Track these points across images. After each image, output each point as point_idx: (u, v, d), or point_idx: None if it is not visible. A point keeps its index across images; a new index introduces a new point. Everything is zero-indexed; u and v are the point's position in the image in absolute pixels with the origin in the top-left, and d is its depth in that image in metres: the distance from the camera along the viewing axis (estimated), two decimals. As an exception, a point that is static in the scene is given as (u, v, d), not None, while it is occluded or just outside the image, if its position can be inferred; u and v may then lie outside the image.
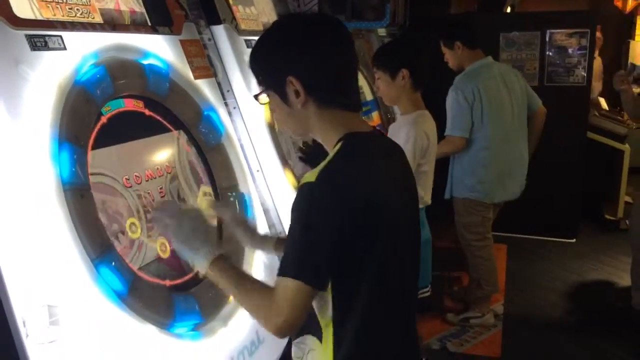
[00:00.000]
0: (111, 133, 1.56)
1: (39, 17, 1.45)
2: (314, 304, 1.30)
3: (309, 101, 1.30)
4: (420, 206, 2.37)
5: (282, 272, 1.22)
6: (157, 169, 1.68)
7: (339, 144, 1.30)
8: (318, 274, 1.22)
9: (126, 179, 1.56)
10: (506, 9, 5.20)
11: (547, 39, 4.71)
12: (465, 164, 3.37)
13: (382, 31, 4.46)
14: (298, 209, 1.23)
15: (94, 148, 1.48)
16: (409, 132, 2.26)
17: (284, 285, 1.21)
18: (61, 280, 1.25)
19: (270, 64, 1.33)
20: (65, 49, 1.43)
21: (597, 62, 5.95)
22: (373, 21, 2.90)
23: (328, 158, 1.27)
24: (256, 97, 1.40)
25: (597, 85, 6.09)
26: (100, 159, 1.50)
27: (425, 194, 2.39)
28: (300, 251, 1.22)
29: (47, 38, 1.38)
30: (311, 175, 1.23)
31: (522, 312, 3.72)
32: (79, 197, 1.34)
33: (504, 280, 4.07)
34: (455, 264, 3.90)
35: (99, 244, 1.34)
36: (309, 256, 1.21)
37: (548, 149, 4.67)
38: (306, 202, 1.21)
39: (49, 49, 1.38)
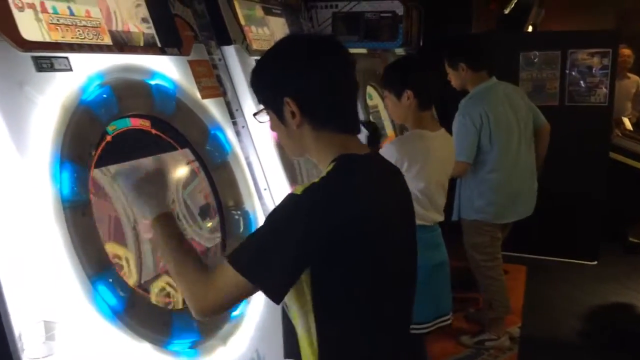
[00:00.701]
0: (116, 151, 1.60)
1: (47, 39, 1.49)
2: (301, 330, 1.31)
3: (304, 122, 1.31)
4: (428, 224, 2.36)
5: (230, 259, 1.22)
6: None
7: (332, 165, 1.31)
8: (263, 276, 1.20)
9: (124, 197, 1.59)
10: (527, 28, 5.17)
11: (568, 59, 4.67)
12: (473, 186, 3.35)
13: (400, 51, 4.49)
14: (275, 211, 1.25)
15: (98, 166, 1.52)
16: (394, 155, 2.25)
17: (225, 271, 1.21)
18: (58, 296, 1.28)
19: (268, 84, 1.35)
20: (71, 70, 1.47)
21: (630, 81, 5.87)
22: (386, 42, 2.92)
23: (320, 176, 1.28)
24: (255, 115, 1.42)
25: (627, 105, 5.99)
26: (103, 176, 1.53)
27: (435, 214, 2.38)
28: (256, 249, 1.22)
29: (53, 60, 1.43)
30: (300, 188, 1.24)
31: (539, 335, 3.66)
32: (80, 214, 1.37)
33: (522, 303, 4.02)
34: (471, 284, 3.86)
35: (96, 260, 1.37)
36: (263, 257, 1.21)
37: (569, 169, 4.63)
38: (284, 209, 1.23)
39: (54, 70, 1.42)
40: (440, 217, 2.43)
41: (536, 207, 3.58)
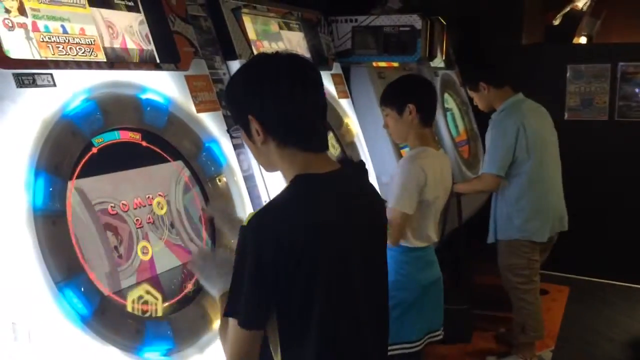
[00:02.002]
0: (103, 163, 1.67)
1: (36, 57, 1.58)
2: (271, 346, 1.34)
3: (268, 140, 1.34)
4: (424, 245, 2.33)
5: (225, 311, 1.30)
6: (148, 197, 1.77)
7: (286, 187, 1.33)
8: (251, 315, 1.27)
9: (111, 206, 1.65)
10: (578, 40, 4.99)
11: (618, 72, 4.48)
12: (511, 202, 3.23)
13: (439, 62, 4.43)
14: (236, 251, 1.28)
15: (81, 177, 1.59)
16: (403, 167, 2.26)
17: (230, 323, 1.29)
18: (25, 300, 1.35)
19: (234, 102, 1.39)
20: (54, 85, 1.55)
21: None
22: (404, 55, 2.90)
23: (269, 200, 1.30)
24: (228, 130, 1.46)
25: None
26: (86, 186, 1.60)
27: (432, 234, 2.34)
28: (236, 293, 1.28)
29: (36, 76, 1.51)
30: (248, 218, 1.27)
31: (573, 360, 3.51)
32: (50, 223, 1.43)
33: (559, 325, 3.86)
34: (503, 303, 3.74)
35: (66, 267, 1.43)
36: (243, 298, 1.26)
37: (619, 186, 4.42)
38: (239, 246, 1.26)
39: (37, 86, 1.51)
40: (436, 238, 2.39)
41: (585, 226, 3.45)
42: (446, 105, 4.27)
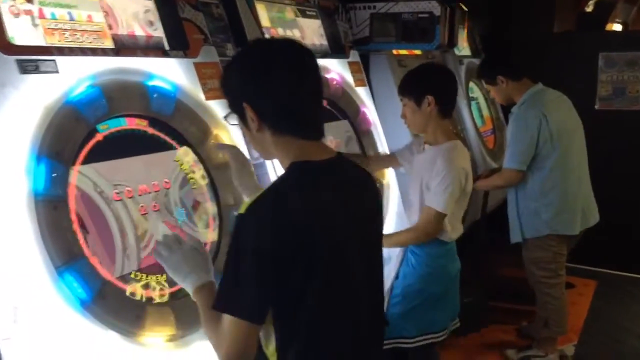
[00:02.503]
0: (109, 150, 1.68)
1: (42, 43, 1.60)
2: (260, 335, 1.32)
3: (264, 127, 1.33)
4: (457, 237, 2.29)
5: (217, 305, 1.27)
6: (154, 184, 1.78)
7: (282, 174, 1.32)
8: (251, 308, 1.24)
9: (116, 192, 1.66)
10: (611, 27, 4.83)
11: (652, 60, 4.33)
12: (538, 197, 3.12)
13: (464, 50, 4.36)
14: (231, 241, 1.27)
15: (85, 163, 1.61)
16: (444, 169, 2.17)
17: (224, 318, 1.26)
18: (24, 284, 1.37)
19: (229, 89, 1.38)
20: (57, 72, 1.56)
21: None
22: (422, 43, 2.84)
23: (265, 188, 1.29)
24: (225, 117, 1.45)
25: None
26: (90, 172, 1.61)
27: (458, 227, 2.30)
28: (232, 285, 1.25)
29: (39, 62, 1.52)
30: (245, 205, 1.26)
31: (596, 356, 3.42)
32: (51, 208, 1.45)
33: (583, 319, 3.77)
34: (525, 296, 3.67)
35: (66, 252, 1.45)
36: (240, 290, 1.24)
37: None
38: (235, 235, 1.25)
39: (40, 72, 1.52)
40: (462, 231, 2.34)
41: (614, 218, 3.35)
42: (471, 95, 4.20)
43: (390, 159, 2.60)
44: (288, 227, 1.22)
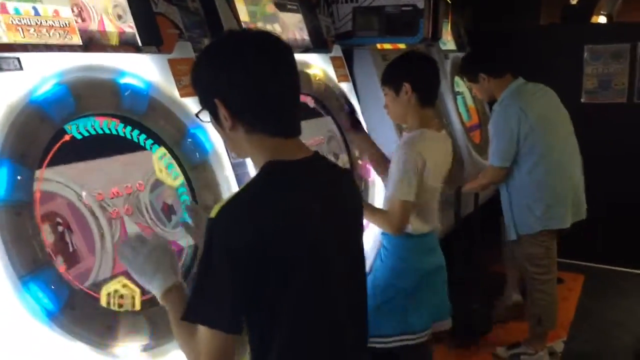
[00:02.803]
0: (78, 151, 1.60)
1: (4, 41, 1.51)
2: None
3: (237, 125, 1.26)
4: (425, 231, 2.23)
5: (189, 316, 1.19)
6: (126, 186, 1.70)
7: (255, 175, 1.25)
8: (227, 317, 1.17)
9: (87, 195, 1.58)
10: (597, 19, 4.80)
11: (638, 52, 4.29)
12: (528, 193, 3.08)
13: (450, 44, 4.30)
14: (202, 247, 1.19)
15: (52, 165, 1.52)
16: (402, 155, 2.14)
17: (199, 328, 1.18)
18: (-15, 295, 1.29)
19: (200, 84, 1.30)
20: (21, 69, 1.48)
21: None
22: (405, 37, 2.78)
23: (237, 190, 1.22)
24: (197, 114, 1.37)
25: None
26: (58, 175, 1.53)
27: (430, 220, 2.24)
28: (205, 294, 1.18)
29: (1, 60, 1.44)
30: (216, 208, 1.18)
31: (586, 351, 3.39)
32: (14, 214, 1.37)
33: (572, 315, 3.74)
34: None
35: (31, 260, 1.37)
36: (214, 299, 1.16)
37: (637, 172, 4.26)
38: (207, 241, 1.17)
39: (1, 70, 1.44)
40: (437, 224, 2.29)
41: (600, 212, 3.31)
42: (457, 89, 4.14)
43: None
44: (262, 231, 1.15)
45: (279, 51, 1.27)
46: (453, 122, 3.92)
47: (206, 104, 1.29)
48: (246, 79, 1.22)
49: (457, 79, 4.18)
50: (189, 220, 1.62)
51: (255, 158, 1.30)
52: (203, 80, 1.28)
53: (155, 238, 1.42)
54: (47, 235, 1.46)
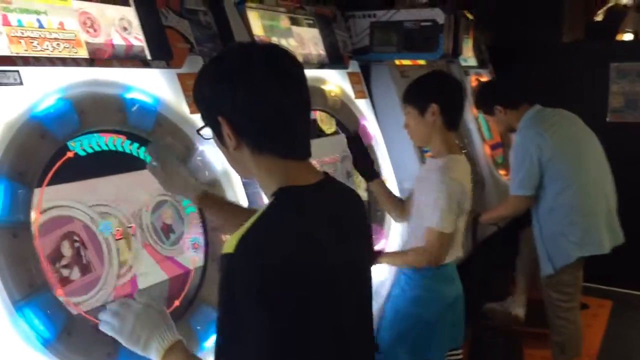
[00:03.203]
0: (81, 168, 1.54)
1: (6, 53, 1.46)
2: None
3: (241, 144, 1.16)
4: (450, 261, 2.13)
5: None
6: (132, 206, 1.63)
7: (269, 203, 1.16)
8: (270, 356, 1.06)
9: (90, 215, 1.51)
10: (621, 37, 4.68)
11: (666, 70, 4.16)
12: (557, 216, 2.92)
13: (472, 61, 4.21)
14: (221, 287, 1.07)
15: (54, 183, 1.46)
16: (440, 184, 2.00)
17: None
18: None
19: (202, 99, 1.21)
20: (21, 84, 1.42)
21: None
22: (425, 52, 2.69)
23: (252, 219, 1.11)
24: (199, 131, 1.28)
25: None
26: (60, 194, 1.47)
27: (455, 249, 2.13)
28: (236, 339, 1.06)
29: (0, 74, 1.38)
30: (230, 244, 1.08)
31: (614, 381, 3.23)
32: (10, 235, 1.30)
33: (599, 343, 3.58)
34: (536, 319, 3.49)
35: (26, 284, 1.30)
36: (247, 343, 1.05)
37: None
38: (228, 280, 1.06)
39: (0, 84, 1.38)
40: (461, 254, 2.18)
41: (628, 234, 3.14)
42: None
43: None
44: (281, 265, 1.06)
45: (287, 65, 1.18)
46: (474, 141, 3.82)
47: (209, 121, 1.20)
48: (252, 96, 1.12)
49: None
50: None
51: (264, 182, 1.20)
52: (206, 95, 1.19)
53: (140, 297, 1.26)
54: (46, 258, 1.39)
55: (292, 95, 1.16)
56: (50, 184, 1.45)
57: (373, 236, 1.39)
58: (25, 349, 1.27)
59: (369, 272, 1.31)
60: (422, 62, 3.25)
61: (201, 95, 1.20)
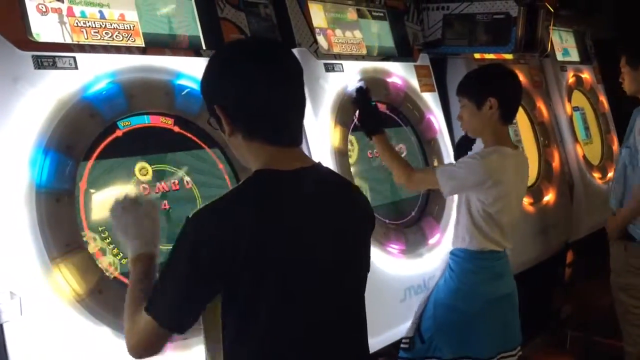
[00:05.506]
0: (130, 146, 1.70)
1: (68, 41, 1.65)
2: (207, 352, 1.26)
3: (236, 131, 1.26)
4: (491, 248, 2.08)
5: (146, 303, 1.21)
6: (174, 182, 1.77)
7: (242, 180, 1.25)
8: (174, 317, 1.19)
9: (131, 188, 1.68)
10: None
11: None
12: None
13: (574, 56, 4.01)
14: (175, 241, 1.19)
15: (102, 158, 1.64)
16: (467, 161, 2.03)
17: (144, 314, 1.20)
18: (19, 274, 1.41)
19: (203, 90, 1.32)
20: (76, 68, 1.60)
21: None
22: (496, 46, 2.61)
23: (224, 194, 1.21)
24: (208, 120, 1.38)
25: None
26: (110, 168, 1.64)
27: (501, 238, 2.09)
28: (161, 288, 1.20)
29: (57, 58, 1.57)
30: (196, 210, 1.19)
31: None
32: (54, 200, 1.48)
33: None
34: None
35: (63, 244, 1.47)
36: (166, 297, 1.18)
37: None
38: (178, 237, 1.18)
39: (57, 68, 1.56)
40: (509, 245, 2.12)
41: None
42: (574, 105, 3.84)
43: None
44: (231, 242, 1.13)
45: (278, 58, 1.25)
46: (565, 140, 3.64)
47: (210, 110, 1.31)
48: (239, 86, 1.21)
49: (576, 92, 3.88)
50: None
51: (251, 165, 1.28)
52: (204, 86, 1.30)
53: (149, 205, 1.42)
54: (88, 222, 1.57)
55: (281, 87, 1.23)
56: (99, 158, 1.63)
57: (372, 236, 1.41)
58: (59, 303, 1.45)
59: (359, 270, 1.33)
60: (508, 56, 3.16)
61: (201, 86, 1.31)
